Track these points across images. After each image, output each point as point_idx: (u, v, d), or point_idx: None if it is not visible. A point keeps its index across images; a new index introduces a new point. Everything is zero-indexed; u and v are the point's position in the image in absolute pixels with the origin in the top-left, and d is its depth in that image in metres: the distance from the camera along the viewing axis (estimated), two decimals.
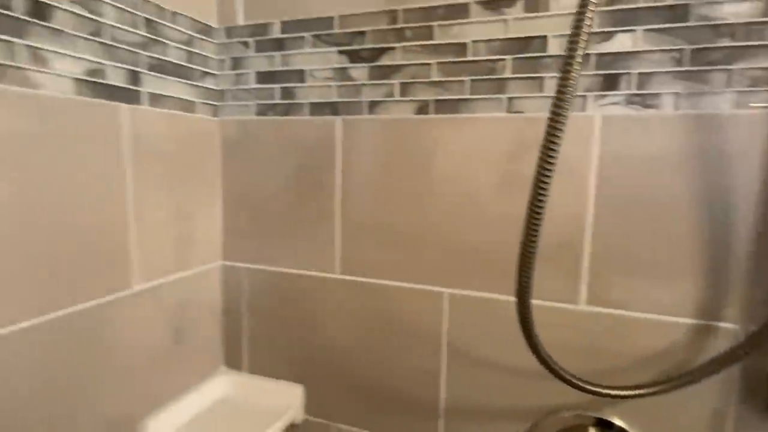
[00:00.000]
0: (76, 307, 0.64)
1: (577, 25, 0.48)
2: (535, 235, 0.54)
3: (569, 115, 0.49)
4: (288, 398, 0.89)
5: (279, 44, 0.83)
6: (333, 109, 0.81)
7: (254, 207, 0.89)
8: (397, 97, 0.77)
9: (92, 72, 0.64)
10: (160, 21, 0.74)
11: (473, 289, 0.76)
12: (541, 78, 0.68)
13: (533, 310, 0.73)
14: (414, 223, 0.78)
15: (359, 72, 0.78)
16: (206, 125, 0.86)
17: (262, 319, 0.91)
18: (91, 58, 0.63)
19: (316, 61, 0.81)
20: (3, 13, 0.53)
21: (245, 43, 0.85)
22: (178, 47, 0.78)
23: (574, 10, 0.48)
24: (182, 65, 0.79)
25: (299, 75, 0.82)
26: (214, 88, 0.88)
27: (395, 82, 0.76)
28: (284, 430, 0.87)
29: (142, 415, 0.77)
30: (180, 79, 0.79)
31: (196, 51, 0.82)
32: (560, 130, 0.50)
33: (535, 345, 0.61)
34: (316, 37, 0.80)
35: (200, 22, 0.83)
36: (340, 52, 0.79)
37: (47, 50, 0.58)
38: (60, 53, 0.59)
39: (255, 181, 0.88)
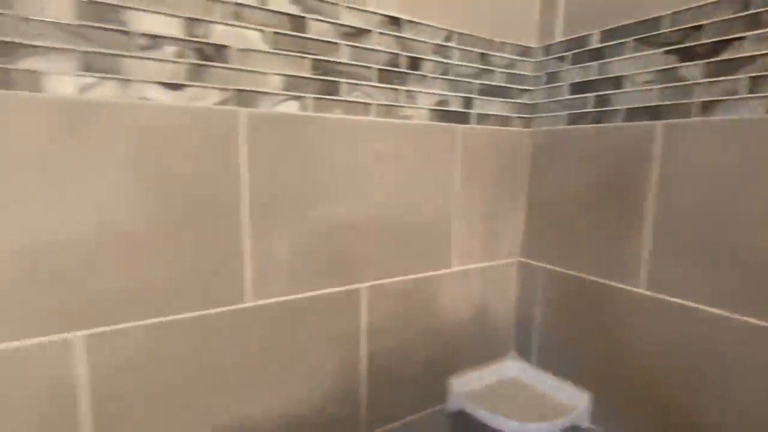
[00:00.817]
0: (417, 275, 0.87)
1: None
2: None
3: None
4: (574, 400, 0.91)
5: (596, 54, 0.84)
6: (653, 113, 0.76)
7: (556, 211, 0.94)
8: (744, 95, 0.65)
9: (440, 102, 0.84)
10: (490, 52, 0.89)
11: None
12: None
13: None
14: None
15: (691, 70, 0.71)
16: (518, 136, 0.97)
17: (555, 319, 0.96)
18: (441, 92, 0.84)
19: (637, 65, 0.78)
20: (394, 70, 0.78)
21: (561, 58, 0.90)
22: (501, 72, 0.91)
23: None
24: (504, 86, 0.92)
25: (616, 82, 0.81)
26: (528, 102, 0.97)
27: (742, 76, 0.65)
28: (568, 428, 0.89)
29: (449, 373, 0.95)
30: (501, 99, 0.92)
31: (516, 72, 0.94)
32: None
33: None
34: (639, 40, 0.77)
35: (522, 45, 0.93)
36: (667, 51, 0.73)
37: (416, 91, 0.80)
38: (423, 92, 0.81)
39: (559, 187, 0.93)
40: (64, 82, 0.53)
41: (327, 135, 0.72)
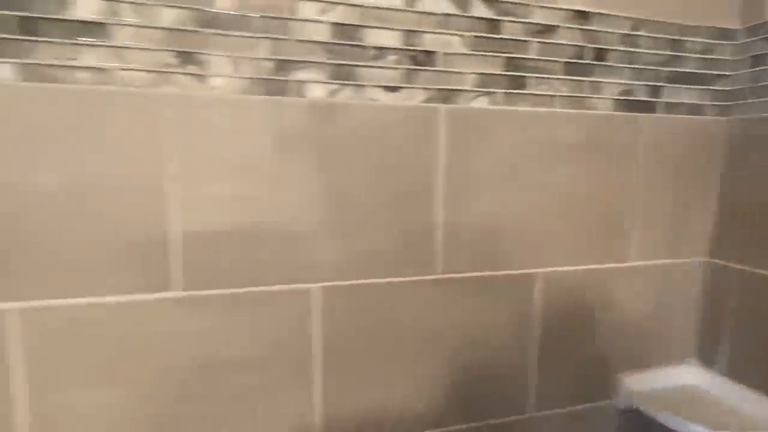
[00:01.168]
0: (591, 266, 0.87)
1: None
2: None
3: None
4: None
5: None
6: None
7: (759, 208, 0.85)
8: None
9: (625, 92, 0.83)
10: (682, 38, 0.85)
11: None
12: None
13: None
14: None
15: None
16: (711, 126, 0.90)
17: (753, 326, 0.87)
18: (626, 82, 0.83)
19: None
20: (579, 62, 0.80)
21: None
22: (694, 57, 0.86)
23: None
24: (696, 73, 0.87)
25: None
26: (724, 89, 0.90)
27: None
28: None
29: (618, 369, 0.93)
30: (692, 86, 0.87)
31: (711, 57, 0.88)
32: None
33: None
34: None
35: (720, 28, 0.87)
36: None
37: (601, 81, 0.81)
38: (607, 82, 0.82)
39: (765, 181, 0.84)
40: (318, 88, 0.68)
41: (512, 126, 0.78)
